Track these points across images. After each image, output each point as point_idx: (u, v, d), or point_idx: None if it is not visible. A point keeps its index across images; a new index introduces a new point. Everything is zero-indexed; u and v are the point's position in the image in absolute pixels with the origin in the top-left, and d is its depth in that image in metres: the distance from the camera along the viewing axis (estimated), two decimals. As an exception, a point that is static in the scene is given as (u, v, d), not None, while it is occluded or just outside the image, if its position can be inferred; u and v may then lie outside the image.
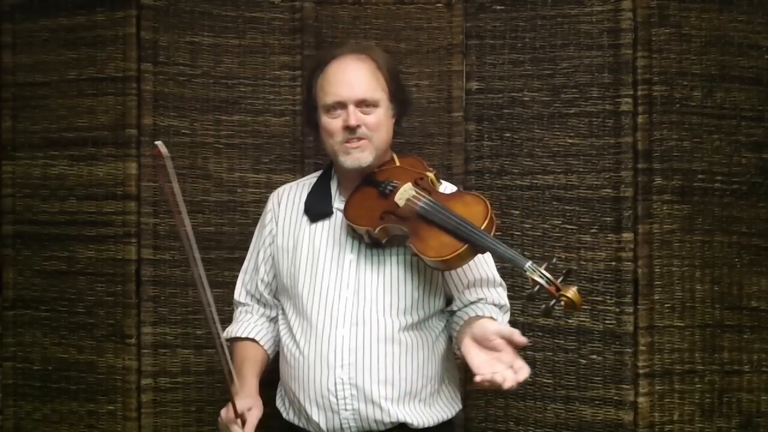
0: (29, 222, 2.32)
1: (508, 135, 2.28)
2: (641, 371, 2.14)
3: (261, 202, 2.27)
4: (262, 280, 1.96)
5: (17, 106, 2.33)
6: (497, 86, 2.29)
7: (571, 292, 1.53)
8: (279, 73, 2.32)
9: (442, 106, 2.32)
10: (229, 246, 2.28)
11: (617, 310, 2.16)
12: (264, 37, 2.31)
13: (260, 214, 2.18)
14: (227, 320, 2.25)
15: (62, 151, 2.29)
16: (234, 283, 2.26)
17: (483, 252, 1.70)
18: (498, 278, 1.89)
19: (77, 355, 2.26)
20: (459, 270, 1.82)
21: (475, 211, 1.70)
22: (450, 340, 1.89)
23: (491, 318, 1.77)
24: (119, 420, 2.21)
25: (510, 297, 1.93)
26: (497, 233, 1.71)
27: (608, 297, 2.17)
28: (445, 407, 1.86)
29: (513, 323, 1.94)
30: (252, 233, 2.25)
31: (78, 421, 2.27)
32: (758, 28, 2.24)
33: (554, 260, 1.63)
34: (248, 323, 1.97)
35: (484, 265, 1.87)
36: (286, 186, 2.01)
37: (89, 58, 2.26)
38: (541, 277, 1.56)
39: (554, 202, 2.23)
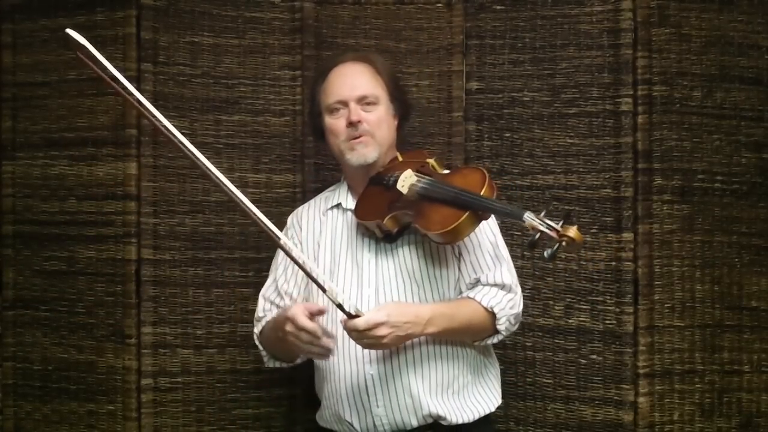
0: (29, 222, 2.31)
1: (508, 135, 2.28)
2: (641, 371, 2.14)
3: (261, 202, 2.27)
4: (292, 285, 1.96)
5: (17, 106, 2.32)
6: (497, 86, 2.29)
7: (572, 232, 1.55)
8: (279, 73, 2.31)
9: (442, 106, 2.31)
10: (229, 246, 2.27)
11: (617, 310, 2.16)
12: (264, 37, 2.31)
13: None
14: (227, 320, 2.26)
15: (62, 151, 2.29)
16: (234, 283, 2.27)
17: (486, 217, 1.73)
18: (505, 255, 1.88)
19: (77, 355, 2.26)
20: (464, 249, 1.83)
21: (472, 180, 1.74)
22: None
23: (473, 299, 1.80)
24: (119, 420, 2.21)
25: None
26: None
27: (608, 297, 2.17)
28: (481, 400, 1.87)
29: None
30: (252, 233, 2.26)
31: (78, 421, 2.26)
32: (758, 28, 2.24)
33: (551, 207, 1.64)
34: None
35: (486, 242, 1.85)
36: (303, 206, 2.06)
37: (89, 58, 2.26)
38: (541, 224, 1.58)
39: (554, 202, 2.23)
